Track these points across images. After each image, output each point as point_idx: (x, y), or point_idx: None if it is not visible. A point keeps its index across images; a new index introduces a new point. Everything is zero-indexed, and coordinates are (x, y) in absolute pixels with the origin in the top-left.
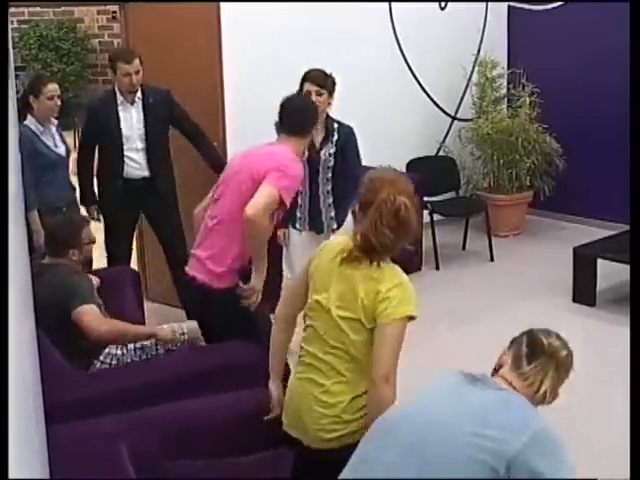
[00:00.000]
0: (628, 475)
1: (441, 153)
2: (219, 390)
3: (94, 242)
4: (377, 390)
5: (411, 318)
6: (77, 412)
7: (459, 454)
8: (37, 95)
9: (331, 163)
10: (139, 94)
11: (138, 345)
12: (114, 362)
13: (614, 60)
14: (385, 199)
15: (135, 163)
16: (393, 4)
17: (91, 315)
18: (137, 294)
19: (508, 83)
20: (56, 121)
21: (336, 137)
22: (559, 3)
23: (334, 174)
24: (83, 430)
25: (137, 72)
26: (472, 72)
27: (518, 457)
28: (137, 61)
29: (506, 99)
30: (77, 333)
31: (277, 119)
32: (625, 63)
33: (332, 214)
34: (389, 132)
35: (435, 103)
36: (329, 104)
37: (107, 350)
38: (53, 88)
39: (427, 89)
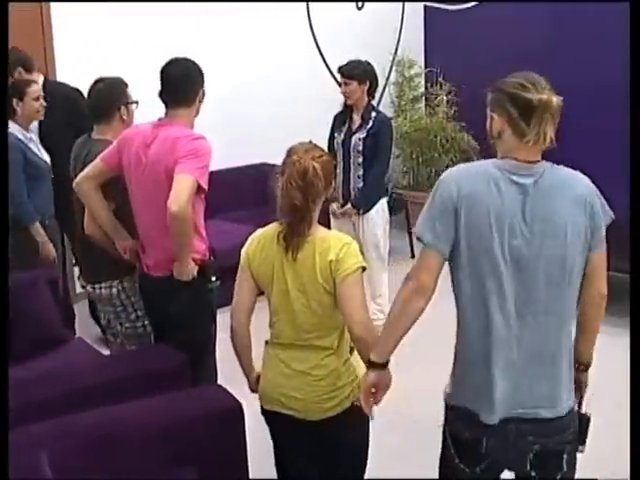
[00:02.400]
0: (628, 475)
1: None
2: (142, 396)
3: None
4: (363, 340)
5: (363, 269)
6: None
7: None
8: (22, 97)
9: (360, 147)
10: None
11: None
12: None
13: (528, 58)
14: (295, 161)
15: None
16: (310, 4)
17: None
18: (56, 296)
19: (425, 82)
20: (33, 127)
21: (370, 124)
22: (474, 3)
23: (365, 159)
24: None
25: None
26: (390, 71)
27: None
28: None
29: (424, 98)
30: None
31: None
32: (539, 60)
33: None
34: (307, 131)
35: None
36: (365, 92)
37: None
38: (38, 88)
39: None
